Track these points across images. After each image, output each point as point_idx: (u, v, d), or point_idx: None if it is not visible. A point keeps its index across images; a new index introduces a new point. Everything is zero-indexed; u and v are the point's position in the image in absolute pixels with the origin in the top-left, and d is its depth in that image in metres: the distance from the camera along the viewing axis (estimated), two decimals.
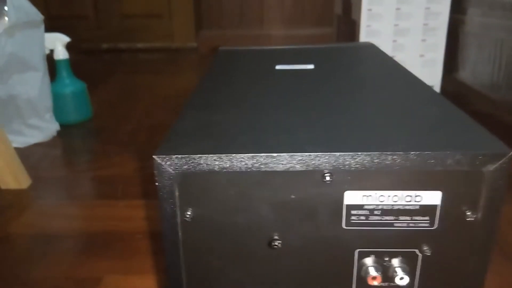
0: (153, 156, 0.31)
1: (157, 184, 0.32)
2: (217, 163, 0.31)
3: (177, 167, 0.32)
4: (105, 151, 1.15)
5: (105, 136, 1.25)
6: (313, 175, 0.32)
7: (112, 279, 0.71)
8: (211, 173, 0.32)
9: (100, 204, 0.93)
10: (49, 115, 1.17)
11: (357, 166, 0.31)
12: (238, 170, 0.32)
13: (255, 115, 0.40)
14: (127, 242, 0.79)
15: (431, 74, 1.38)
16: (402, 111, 0.40)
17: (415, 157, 0.31)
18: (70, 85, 1.25)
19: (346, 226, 0.33)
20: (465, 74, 1.47)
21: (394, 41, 1.34)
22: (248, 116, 0.40)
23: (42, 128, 1.16)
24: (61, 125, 1.23)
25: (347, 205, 0.33)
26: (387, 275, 0.34)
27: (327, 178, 0.32)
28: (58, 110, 1.21)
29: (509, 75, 1.31)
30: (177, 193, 0.33)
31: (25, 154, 1.07)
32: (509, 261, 0.75)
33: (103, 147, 1.18)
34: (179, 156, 0.31)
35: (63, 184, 1.01)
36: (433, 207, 0.32)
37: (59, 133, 1.22)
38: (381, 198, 0.32)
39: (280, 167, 0.32)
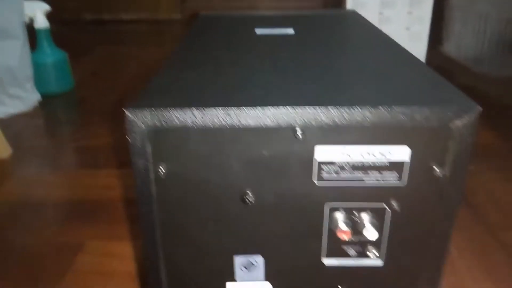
0: (124, 111, 0.31)
1: (129, 140, 0.32)
2: (189, 118, 0.31)
3: (149, 122, 0.32)
4: (88, 121, 1.14)
5: (88, 107, 1.23)
6: (285, 131, 0.32)
7: (94, 245, 0.72)
8: (184, 129, 0.32)
9: (82, 173, 0.92)
10: (29, 85, 1.15)
11: (328, 121, 0.32)
12: (210, 125, 0.32)
13: (230, 73, 0.40)
14: (108, 210, 0.80)
15: (416, 47, 1.38)
16: (375, 71, 0.40)
17: (384, 112, 0.31)
18: (51, 54, 1.23)
19: (317, 182, 0.34)
20: (450, 48, 1.47)
21: (381, 13, 1.33)
22: (223, 74, 0.39)
23: (23, 98, 1.14)
24: (43, 96, 1.21)
25: (317, 161, 0.33)
26: (357, 230, 0.35)
27: (299, 135, 0.32)
28: (39, 80, 1.19)
29: (493, 49, 1.31)
30: (149, 149, 0.33)
31: (6, 124, 1.06)
32: (482, 226, 0.77)
33: (86, 118, 1.17)
34: (151, 110, 0.31)
35: (45, 153, 1.01)
36: (402, 163, 0.33)
37: (40, 104, 1.20)
38: (352, 154, 0.33)
39: (252, 123, 0.32)
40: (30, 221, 0.77)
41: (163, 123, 0.32)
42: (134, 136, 0.32)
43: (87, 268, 0.67)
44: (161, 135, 0.32)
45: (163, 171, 0.33)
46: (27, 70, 1.13)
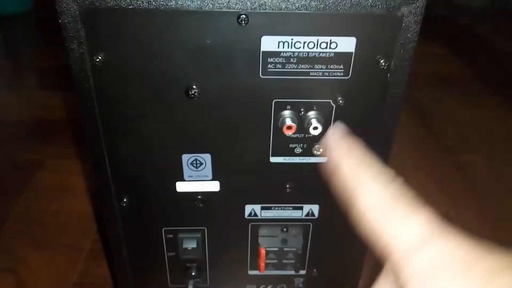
0: None
1: (60, 21, 0.30)
2: None
3: (80, 0, 0.29)
4: (47, 42, 1.08)
5: (49, 27, 1.17)
6: (228, 16, 0.31)
7: (54, 163, 0.71)
8: (119, 10, 0.30)
9: (42, 94, 0.89)
10: None
11: (273, 7, 0.30)
12: (147, 6, 0.30)
13: None
14: (69, 129, 0.78)
15: None
16: None
17: None
18: None
19: (262, 75, 0.33)
20: None
21: None
22: None
23: None
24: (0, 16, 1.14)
25: (263, 52, 0.32)
26: (302, 126, 0.35)
27: (243, 20, 0.31)
28: None
29: None
30: (83, 33, 0.31)
31: None
32: (440, 148, 0.79)
33: (45, 39, 1.11)
34: None
35: (4, 74, 0.97)
36: (348, 54, 0.32)
37: None
38: (297, 45, 0.32)
39: (192, 5, 0.30)
40: None
41: (96, 1, 0.30)
42: (65, 17, 0.30)
43: (46, 185, 0.67)
44: (95, 17, 0.30)
45: (100, 58, 0.31)
46: None
